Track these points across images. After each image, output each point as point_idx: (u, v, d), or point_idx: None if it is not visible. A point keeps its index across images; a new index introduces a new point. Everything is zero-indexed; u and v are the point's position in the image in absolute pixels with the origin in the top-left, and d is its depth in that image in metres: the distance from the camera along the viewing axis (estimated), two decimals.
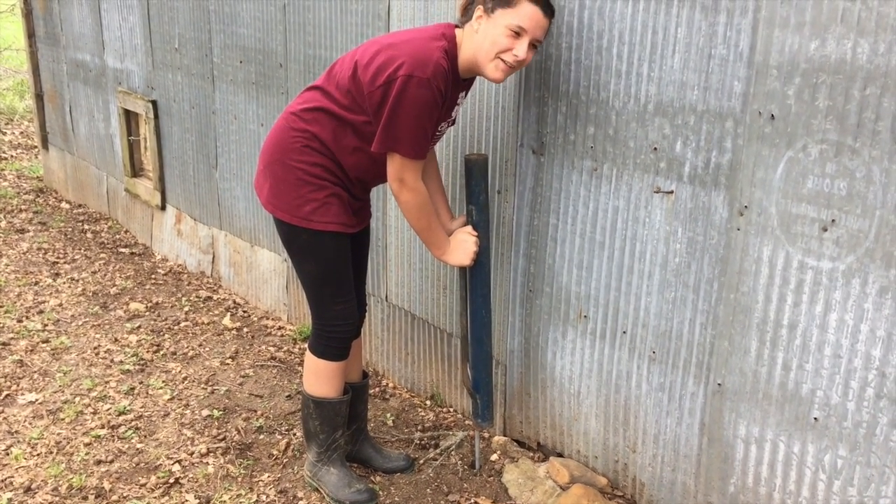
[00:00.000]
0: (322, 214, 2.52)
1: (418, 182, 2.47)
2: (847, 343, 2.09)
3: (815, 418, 2.19)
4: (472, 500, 2.78)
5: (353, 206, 2.62)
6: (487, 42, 2.34)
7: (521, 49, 2.32)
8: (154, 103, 4.89)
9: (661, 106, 2.37)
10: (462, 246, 2.66)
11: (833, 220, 2.06)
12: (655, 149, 2.41)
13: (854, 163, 1.99)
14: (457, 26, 2.50)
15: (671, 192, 2.41)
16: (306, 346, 2.75)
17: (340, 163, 2.53)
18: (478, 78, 2.75)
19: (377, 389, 3.51)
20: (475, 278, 2.75)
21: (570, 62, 2.57)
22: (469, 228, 2.68)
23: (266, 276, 4.26)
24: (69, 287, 4.61)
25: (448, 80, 2.37)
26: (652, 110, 2.39)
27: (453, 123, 2.73)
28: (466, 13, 2.45)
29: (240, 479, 2.87)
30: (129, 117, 5.29)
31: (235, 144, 4.23)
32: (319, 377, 2.71)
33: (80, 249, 5.25)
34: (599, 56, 2.49)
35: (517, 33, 2.32)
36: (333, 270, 2.61)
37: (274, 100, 3.86)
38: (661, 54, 2.34)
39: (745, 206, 2.23)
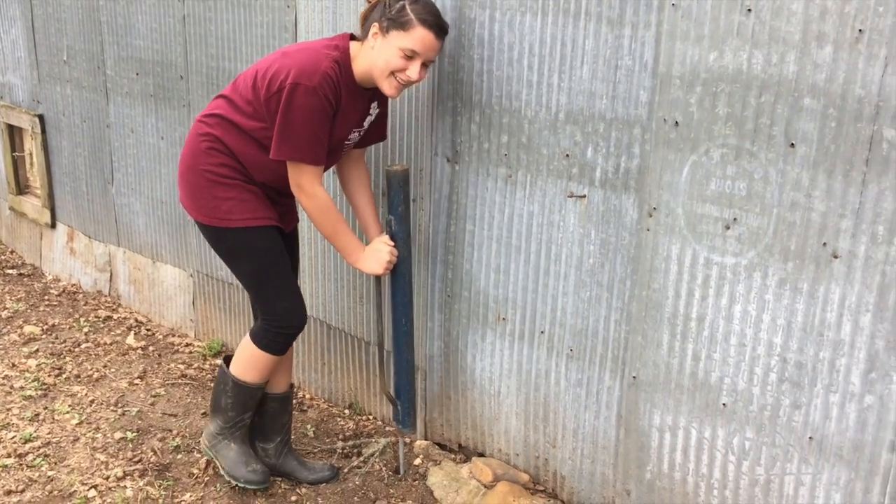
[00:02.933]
0: (241, 211, 2.60)
1: (316, 188, 2.55)
2: (751, 332, 2.26)
3: (724, 404, 2.35)
4: None
5: (273, 202, 2.70)
6: (381, 61, 2.46)
7: (413, 71, 2.46)
8: (41, 117, 4.70)
9: (572, 114, 2.48)
10: (375, 255, 2.69)
11: (735, 219, 2.22)
12: (567, 155, 2.52)
13: (752, 165, 2.15)
14: (354, 37, 2.59)
15: (583, 196, 2.53)
16: (248, 334, 2.77)
17: (245, 164, 2.61)
18: None
19: (294, 402, 3.50)
20: (395, 287, 2.80)
21: (483, 73, 2.65)
22: (386, 238, 2.72)
23: (170, 293, 4.17)
24: None
25: (337, 88, 2.47)
26: (563, 119, 2.51)
27: (381, 137, 2.83)
28: (364, 25, 2.55)
29: (161, 501, 2.81)
30: (13, 132, 5.06)
31: (133, 158, 4.12)
32: (254, 365, 2.75)
33: None
34: (511, 67, 2.58)
35: (410, 56, 2.45)
36: (268, 265, 2.66)
37: (175, 112, 3.79)
38: (571, 65, 2.45)
39: (654, 208, 2.37)
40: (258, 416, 2.89)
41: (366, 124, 2.70)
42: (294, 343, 2.81)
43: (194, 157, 2.63)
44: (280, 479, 2.93)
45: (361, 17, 2.58)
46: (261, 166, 2.61)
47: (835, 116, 2.00)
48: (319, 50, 2.51)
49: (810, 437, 2.20)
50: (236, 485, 2.81)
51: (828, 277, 2.10)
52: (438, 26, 2.46)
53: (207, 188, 2.61)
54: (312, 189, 2.55)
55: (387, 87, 2.50)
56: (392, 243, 2.71)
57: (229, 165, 2.61)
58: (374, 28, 2.47)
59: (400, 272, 2.76)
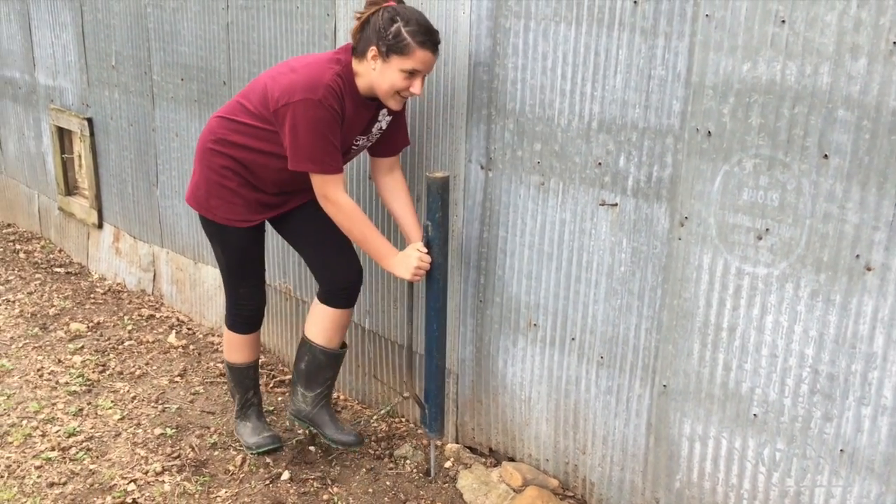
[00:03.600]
0: (224, 211, 2.87)
1: (339, 195, 2.68)
2: (782, 343, 2.25)
3: (755, 415, 2.34)
4: None
5: (265, 203, 2.89)
6: (386, 84, 2.60)
7: (416, 87, 2.61)
8: (90, 121, 4.84)
9: (605, 123, 2.50)
10: (405, 261, 2.74)
11: (767, 229, 2.21)
12: (600, 164, 2.54)
13: (785, 176, 2.15)
14: (355, 49, 2.67)
15: (615, 204, 2.54)
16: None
17: (250, 167, 2.81)
18: (427, 96, 2.91)
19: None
20: (428, 292, 2.83)
21: (517, 81, 2.68)
22: (420, 245, 2.76)
23: (211, 293, 4.26)
24: (6, 309, 4.52)
25: (340, 98, 2.61)
26: (596, 127, 2.52)
27: (404, 143, 2.90)
28: (358, 43, 2.64)
29: (197, 496, 2.89)
30: (63, 135, 5.21)
31: (177, 162, 4.22)
32: (230, 345, 3.14)
33: (13, 270, 5.14)
34: (545, 76, 2.61)
35: (412, 74, 2.58)
36: (235, 259, 2.98)
37: None
38: (604, 74, 2.47)
39: (686, 217, 2.37)
40: (305, 364, 3.05)
41: (374, 130, 2.80)
42: (349, 306, 3.00)
43: (203, 153, 2.88)
44: (312, 477, 2.99)
45: (353, 34, 2.66)
46: (265, 168, 2.80)
47: (869, 128, 1.99)
48: (323, 64, 2.65)
49: (841, 450, 2.19)
50: (251, 455, 3.15)
51: (860, 290, 2.08)
52: (434, 43, 2.59)
53: (205, 182, 2.87)
54: (336, 197, 2.67)
55: (392, 104, 2.66)
56: (425, 250, 2.75)
57: (230, 168, 2.82)
58: (373, 51, 2.58)
59: (434, 278, 2.79)
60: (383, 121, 2.80)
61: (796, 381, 2.24)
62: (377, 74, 2.60)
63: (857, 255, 2.07)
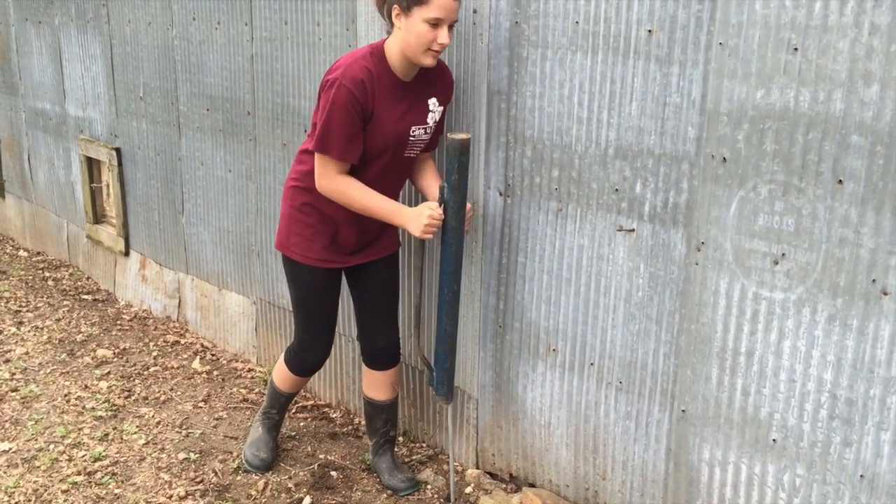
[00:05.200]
0: (302, 248, 2.89)
1: (332, 179, 2.71)
2: (801, 368, 2.25)
3: (774, 440, 2.34)
4: None
5: (343, 243, 2.88)
6: (413, 38, 2.59)
7: (443, 36, 2.58)
8: (118, 150, 4.94)
9: (621, 150, 2.53)
10: (417, 218, 2.69)
11: (783, 254, 2.23)
12: (617, 190, 2.57)
13: (800, 201, 2.17)
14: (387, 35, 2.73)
15: (632, 230, 2.56)
16: None
17: (324, 202, 2.81)
18: (445, 124, 2.94)
19: (350, 428, 3.59)
20: (442, 256, 2.77)
21: (535, 109, 2.72)
22: (433, 204, 2.72)
23: (234, 319, 4.31)
24: (34, 335, 4.60)
25: (364, 84, 2.62)
26: (612, 154, 2.55)
27: (432, 146, 2.93)
28: (383, 12, 2.70)
29: None
30: (92, 164, 5.32)
31: (202, 190, 4.30)
32: (278, 370, 3.20)
33: (42, 297, 5.23)
34: (562, 104, 2.65)
35: (436, 24, 2.56)
36: (305, 301, 2.99)
37: (242, 146, 3.95)
38: (620, 102, 2.50)
39: (702, 242, 2.39)
40: (363, 414, 3.21)
41: (430, 121, 2.79)
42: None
43: (286, 191, 2.96)
44: (333, 502, 3.01)
45: (378, 7, 2.73)
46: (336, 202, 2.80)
47: (882, 154, 2.01)
48: (356, 56, 2.70)
49: (861, 475, 2.18)
50: (240, 460, 3.29)
51: (877, 314, 2.09)
52: None
53: (287, 220, 2.94)
54: (328, 179, 2.71)
55: (424, 59, 2.63)
56: (438, 209, 2.69)
57: (309, 204, 2.86)
58: (396, 10, 2.61)
59: (447, 242, 2.73)
60: (436, 111, 2.80)
61: (815, 406, 2.24)
62: (404, 33, 2.60)
63: (874, 280, 2.08)
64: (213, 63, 4.02)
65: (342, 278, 3.04)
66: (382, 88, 2.67)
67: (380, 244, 2.97)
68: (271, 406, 3.29)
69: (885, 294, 2.06)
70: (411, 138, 2.78)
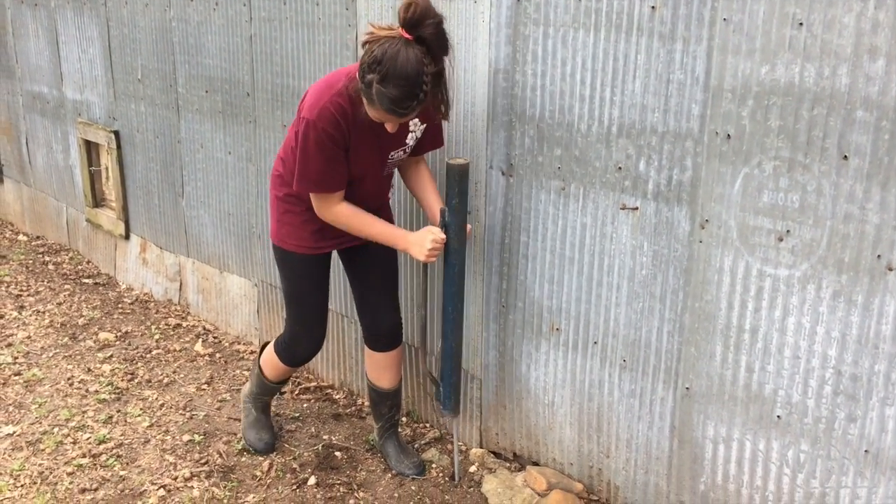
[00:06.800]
0: (292, 238, 2.89)
1: (333, 208, 2.73)
2: (805, 344, 2.25)
3: (778, 416, 2.34)
4: None
5: (332, 229, 2.85)
6: (369, 110, 2.51)
7: (388, 127, 2.58)
8: (116, 133, 4.92)
9: (624, 128, 2.52)
10: (421, 243, 2.70)
11: (788, 231, 2.22)
12: (620, 168, 2.56)
13: (805, 177, 2.16)
14: None
15: (636, 208, 2.56)
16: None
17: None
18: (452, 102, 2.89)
19: (353, 409, 3.59)
20: (444, 277, 2.81)
21: (537, 88, 2.71)
22: (435, 228, 2.73)
23: (236, 302, 4.31)
24: (36, 319, 4.60)
25: (337, 119, 2.56)
26: (616, 132, 2.54)
27: (436, 145, 2.91)
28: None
29: (225, 501, 2.93)
30: (90, 148, 5.30)
31: (202, 172, 4.29)
32: (268, 360, 3.17)
33: (43, 281, 5.23)
34: (564, 82, 2.63)
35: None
36: (296, 289, 2.98)
37: (241, 128, 3.93)
38: (623, 80, 2.49)
39: (706, 220, 2.38)
40: (367, 399, 3.22)
41: (409, 140, 2.76)
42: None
43: (271, 181, 2.95)
44: (338, 482, 3.03)
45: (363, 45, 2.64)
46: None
47: (888, 129, 2.00)
48: (333, 82, 2.60)
49: (866, 451, 2.19)
50: (242, 444, 3.29)
51: (882, 290, 2.09)
52: (401, 113, 2.43)
53: (275, 210, 2.94)
54: (329, 211, 2.74)
55: (387, 126, 2.59)
56: (440, 234, 2.71)
57: (293, 194, 2.84)
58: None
59: (450, 263, 2.76)
60: (417, 130, 2.76)
61: (819, 383, 2.25)
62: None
63: (879, 256, 2.07)
64: (212, 44, 3.99)
65: (336, 262, 3.05)
66: (357, 125, 2.60)
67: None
68: (262, 393, 3.28)
69: (890, 269, 2.06)
70: (389, 160, 2.79)
